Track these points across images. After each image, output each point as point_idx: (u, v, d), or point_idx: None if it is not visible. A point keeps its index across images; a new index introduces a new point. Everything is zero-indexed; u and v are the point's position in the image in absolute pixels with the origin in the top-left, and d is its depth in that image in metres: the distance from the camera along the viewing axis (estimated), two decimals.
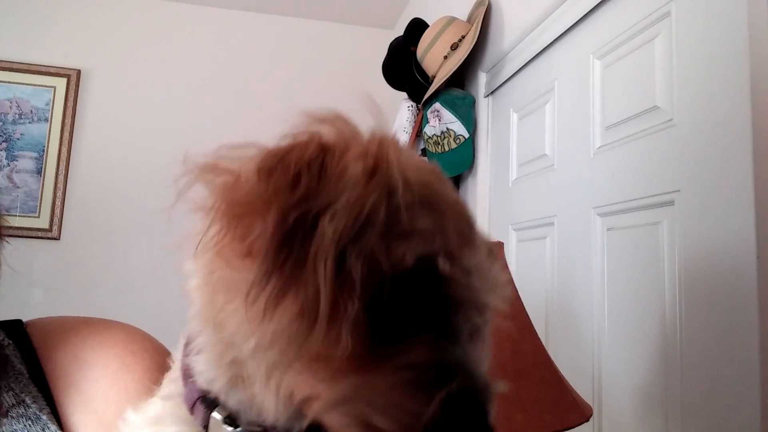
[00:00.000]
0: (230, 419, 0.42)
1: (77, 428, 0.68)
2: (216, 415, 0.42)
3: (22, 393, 0.71)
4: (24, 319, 0.90)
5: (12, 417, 0.69)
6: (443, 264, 0.36)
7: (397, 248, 0.35)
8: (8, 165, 2.77)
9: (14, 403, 0.70)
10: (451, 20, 1.99)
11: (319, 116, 0.39)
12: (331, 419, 0.35)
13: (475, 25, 1.88)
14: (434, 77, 2.01)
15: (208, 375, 0.42)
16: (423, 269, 0.35)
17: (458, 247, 0.37)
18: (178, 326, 0.47)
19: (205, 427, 0.42)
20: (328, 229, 0.34)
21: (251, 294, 0.34)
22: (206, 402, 0.42)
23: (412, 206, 0.36)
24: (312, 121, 0.38)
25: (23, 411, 0.70)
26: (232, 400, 0.42)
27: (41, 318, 0.85)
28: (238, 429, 0.41)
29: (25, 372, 0.74)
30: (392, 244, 0.35)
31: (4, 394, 0.70)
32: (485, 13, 1.88)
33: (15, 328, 0.80)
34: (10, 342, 0.77)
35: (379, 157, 0.37)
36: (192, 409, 0.43)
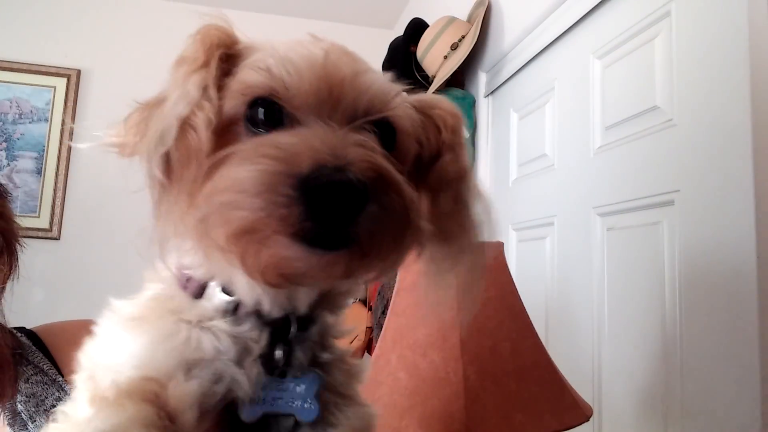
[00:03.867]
0: (226, 289, 0.47)
1: None
2: (213, 283, 0.47)
3: (40, 363, 0.80)
4: (25, 321, 0.94)
5: (32, 383, 0.80)
6: None
7: None
8: (8, 165, 2.77)
9: (33, 373, 0.79)
10: (451, 20, 1.99)
11: None
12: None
13: (475, 25, 1.88)
14: (434, 77, 2.01)
15: (194, 261, 0.48)
16: None
17: None
18: None
19: (198, 297, 0.48)
20: None
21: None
22: (198, 279, 0.48)
23: None
24: None
25: (41, 378, 0.81)
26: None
27: (43, 325, 0.92)
28: (233, 297, 0.47)
29: (40, 352, 0.83)
30: None
31: (23, 367, 0.81)
32: (485, 13, 1.88)
33: (26, 332, 0.89)
34: (22, 335, 0.86)
35: None
36: (186, 284, 0.48)
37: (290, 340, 0.48)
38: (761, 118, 0.88)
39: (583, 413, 0.84)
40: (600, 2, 1.32)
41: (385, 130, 0.46)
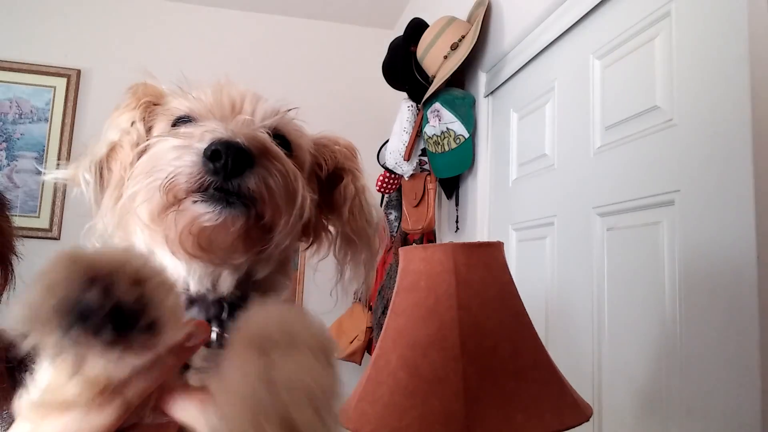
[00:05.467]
0: None
1: None
2: None
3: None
4: None
5: None
6: None
7: None
8: (8, 165, 2.77)
9: None
10: (451, 20, 1.99)
11: None
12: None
13: (475, 25, 1.88)
14: (434, 77, 2.01)
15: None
16: None
17: None
18: None
19: None
20: None
21: None
22: None
23: None
24: None
25: None
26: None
27: None
28: None
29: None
30: None
31: (21, 374, 0.81)
32: (485, 13, 1.88)
33: None
34: None
35: None
36: None
37: (223, 321, 0.54)
38: (761, 118, 0.89)
39: (583, 413, 0.84)
40: (600, 2, 1.32)
41: (281, 140, 0.57)
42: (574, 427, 0.81)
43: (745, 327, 0.87)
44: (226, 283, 0.54)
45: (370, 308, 2.59)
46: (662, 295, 1.07)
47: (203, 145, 0.47)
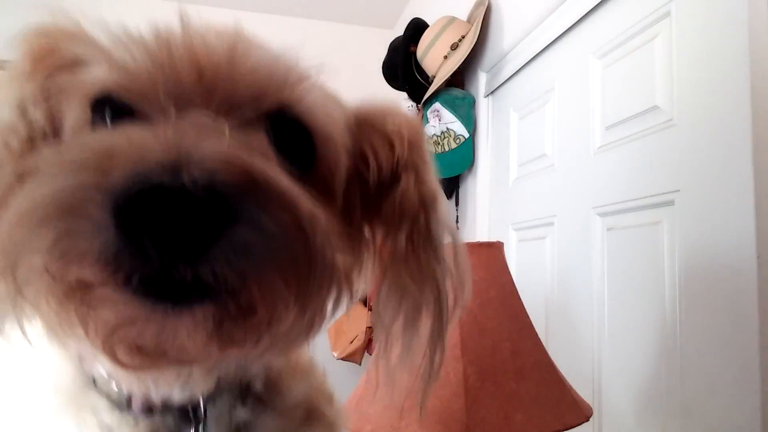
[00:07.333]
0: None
1: None
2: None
3: None
4: None
5: None
6: None
7: None
8: None
9: None
10: (451, 20, 1.99)
11: None
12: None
13: (475, 25, 1.88)
14: (434, 77, 2.01)
15: None
16: None
17: None
18: None
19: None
20: None
21: None
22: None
23: None
24: None
25: None
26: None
27: None
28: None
29: None
30: None
31: None
32: (485, 13, 1.88)
33: None
34: None
35: None
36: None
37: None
38: (761, 118, 0.89)
39: (583, 413, 0.84)
40: (600, 2, 1.32)
41: (293, 133, 0.33)
42: (574, 427, 0.82)
43: (745, 327, 0.87)
44: (200, 386, 0.36)
45: (370, 308, 2.59)
46: (662, 294, 1.07)
47: (114, 183, 0.23)
